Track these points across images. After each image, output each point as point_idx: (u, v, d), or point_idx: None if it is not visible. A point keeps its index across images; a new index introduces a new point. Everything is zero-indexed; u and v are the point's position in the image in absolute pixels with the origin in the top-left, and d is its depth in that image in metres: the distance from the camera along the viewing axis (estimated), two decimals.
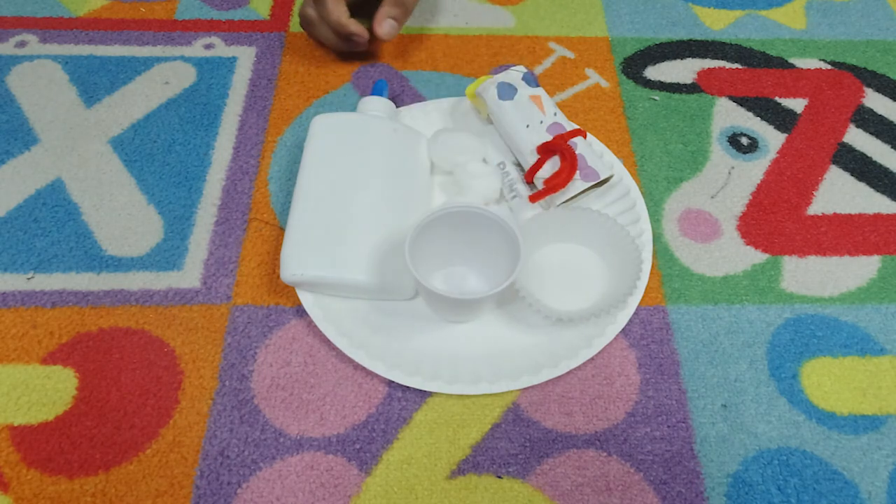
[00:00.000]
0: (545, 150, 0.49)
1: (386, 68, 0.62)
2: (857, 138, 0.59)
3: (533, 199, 0.49)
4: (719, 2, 0.69)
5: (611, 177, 0.50)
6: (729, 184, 0.55)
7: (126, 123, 0.57)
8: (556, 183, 0.47)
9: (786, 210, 0.54)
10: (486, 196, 0.50)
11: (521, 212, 0.50)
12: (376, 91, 0.55)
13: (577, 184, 0.48)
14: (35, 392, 0.44)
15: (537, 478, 0.41)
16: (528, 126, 0.50)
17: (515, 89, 0.51)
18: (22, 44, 0.62)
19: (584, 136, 0.51)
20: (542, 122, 0.50)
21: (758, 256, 0.51)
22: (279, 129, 0.57)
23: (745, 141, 0.58)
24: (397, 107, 0.57)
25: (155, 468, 0.41)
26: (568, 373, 0.45)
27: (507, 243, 0.42)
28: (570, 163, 0.47)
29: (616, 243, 0.47)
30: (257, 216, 0.52)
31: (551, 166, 0.48)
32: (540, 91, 0.52)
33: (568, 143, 0.49)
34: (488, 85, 0.52)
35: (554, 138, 0.49)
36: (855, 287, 0.50)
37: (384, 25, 0.56)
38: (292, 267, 0.44)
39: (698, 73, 0.62)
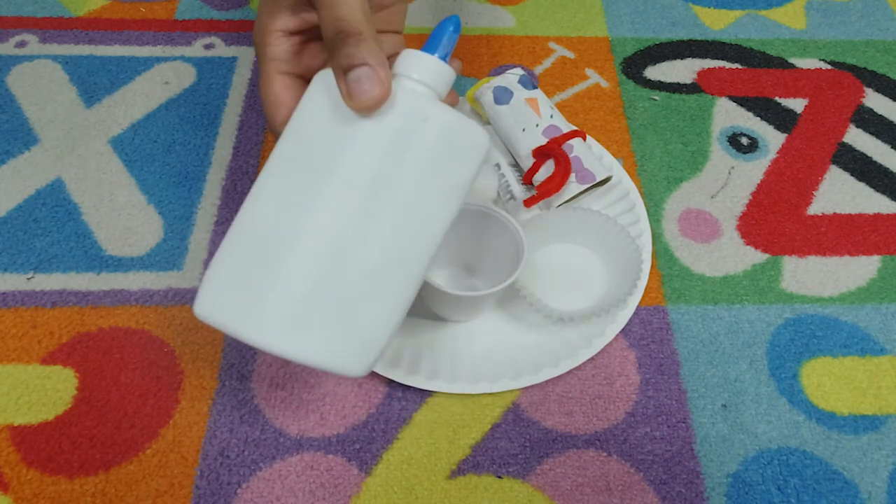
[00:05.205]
0: (540, 154, 0.49)
1: None
2: (857, 138, 0.58)
3: (527, 203, 0.49)
4: (719, 2, 0.69)
5: (609, 178, 0.50)
6: (729, 184, 0.55)
7: (126, 123, 0.57)
8: (549, 188, 0.47)
9: (786, 210, 0.54)
10: (482, 194, 0.50)
11: (516, 215, 0.50)
12: (434, 41, 0.32)
13: (572, 186, 0.48)
14: (35, 392, 0.44)
15: (537, 478, 0.41)
16: (524, 130, 0.50)
17: (511, 93, 0.51)
18: (22, 44, 0.62)
19: (584, 138, 0.51)
20: (537, 125, 0.50)
21: (758, 256, 0.51)
22: None
23: (745, 141, 0.58)
24: None
25: (155, 468, 0.41)
26: (568, 373, 0.45)
27: (510, 242, 0.42)
28: (564, 167, 0.47)
29: (616, 243, 0.47)
30: None
31: (546, 170, 0.48)
32: (537, 93, 0.52)
33: (564, 145, 0.49)
34: (485, 90, 0.52)
35: (548, 142, 0.49)
36: (855, 287, 0.50)
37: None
38: (200, 304, 0.30)
39: (698, 73, 0.62)
